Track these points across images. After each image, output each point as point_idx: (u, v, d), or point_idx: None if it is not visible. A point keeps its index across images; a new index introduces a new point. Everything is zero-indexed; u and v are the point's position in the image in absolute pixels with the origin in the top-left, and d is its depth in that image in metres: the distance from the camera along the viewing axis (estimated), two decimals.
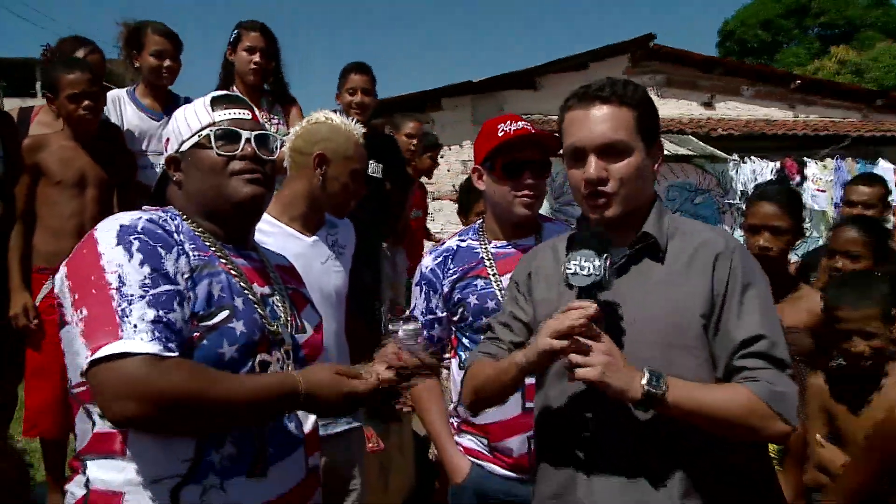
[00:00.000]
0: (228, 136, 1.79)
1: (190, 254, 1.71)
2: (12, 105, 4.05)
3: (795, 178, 11.67)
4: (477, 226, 2.66)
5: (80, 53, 3.88)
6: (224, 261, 1.77)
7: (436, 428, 2.65)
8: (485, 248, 2.58)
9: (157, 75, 3.99)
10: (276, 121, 4.09)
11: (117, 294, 1.56)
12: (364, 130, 2.80)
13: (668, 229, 1.88)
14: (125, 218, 1.70)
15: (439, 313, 2.61)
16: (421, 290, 2.65)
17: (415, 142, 5.36)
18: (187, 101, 3.74)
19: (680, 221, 1.94)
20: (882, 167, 11.60)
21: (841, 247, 3.09)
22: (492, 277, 2.51)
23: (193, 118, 1.84)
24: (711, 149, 11.91)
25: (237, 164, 1.78)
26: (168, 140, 1.88)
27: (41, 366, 3.47)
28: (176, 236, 1.72)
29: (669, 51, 14.58)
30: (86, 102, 3.46)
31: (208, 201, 1.80)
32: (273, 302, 1.84)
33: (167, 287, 1.61)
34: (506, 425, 2.45)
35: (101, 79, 3.85)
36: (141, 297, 1.56)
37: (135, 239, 1.64)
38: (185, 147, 1.82)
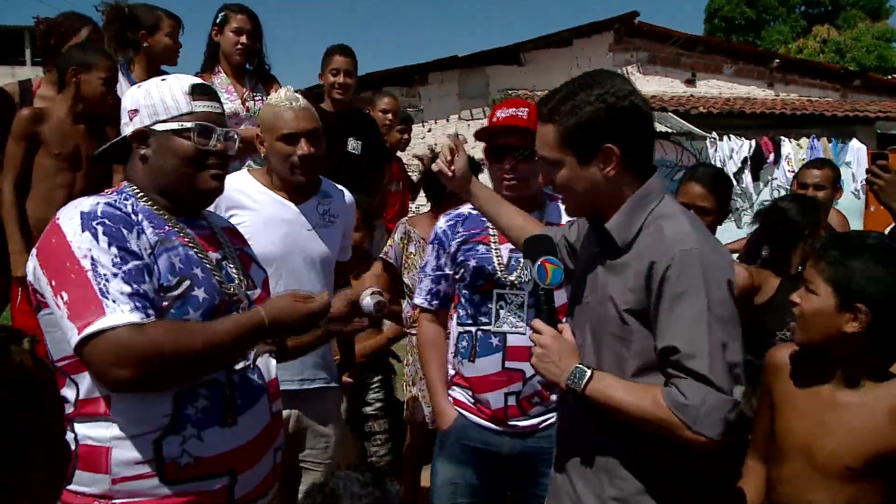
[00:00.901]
0: (205, 131, 1.91)
1: (147, 231, 1.83)
2: (2, 73, 4.17)
3: (771, 157, 11.96)
4: None
5: (84, 32, 4.02)
6: (181, 234, 1.90)
7: (431, 377, 2.90)
8: None
9: (172, 57, 4.17)
10: (258, 98, 4.25)
11: (93, 275, 1.69)
12: (298, 94, 2.88)
13: (641, 225, 1.91)
14: (84, 205, 1.81)
15: (447, 270, 2.84)
16: (433, 248, 2.89)
17: (390, 117, 5.55)
18: None
19: (664, 218, 1.91)
20: (854, 146, 11.92)
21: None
22: (493, 245, 2.74)
23: (171, 101, 1.91)
24: (690, 126, 12.15)
25: (210, 158, 1.93)
26: (136, 111, 1.92)
27: (31, 328, 3.64)
28: (133, 217, 1.84)
29: (653, 28, 14.76)
30: (113, 90, 3.66)
31: (171, 184, 1.93)
32: (226, 265, 1.99)
33: (135, 262, 1.75)
34: (487, 380, 2.69)
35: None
36: (115, 274, 1.71)
37: (98, 224, 1.75)
38: (160, 127, 1.90)
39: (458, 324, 2.82)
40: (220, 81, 4.13)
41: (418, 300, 2.96)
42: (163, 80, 1.97)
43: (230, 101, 4.04)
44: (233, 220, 2.71)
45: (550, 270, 1.97)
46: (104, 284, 1.69)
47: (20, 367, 1.15)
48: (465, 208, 2.91)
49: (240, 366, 1.95)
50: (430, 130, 13.95)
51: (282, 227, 2.83)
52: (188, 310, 1.82)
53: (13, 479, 1.13)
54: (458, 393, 2.80)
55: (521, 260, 2.66)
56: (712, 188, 3.15)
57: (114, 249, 1.74)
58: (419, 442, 4.07)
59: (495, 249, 2.74)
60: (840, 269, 1.98)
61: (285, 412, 2.81)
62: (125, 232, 1.78)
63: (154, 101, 1.91)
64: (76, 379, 1.80)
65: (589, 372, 1.88)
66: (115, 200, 1.86)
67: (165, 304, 1.79)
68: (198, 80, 2.02)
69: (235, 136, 2.03)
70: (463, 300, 2.80)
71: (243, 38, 4.18)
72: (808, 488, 2.04)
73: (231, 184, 2.81)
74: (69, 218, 1.78)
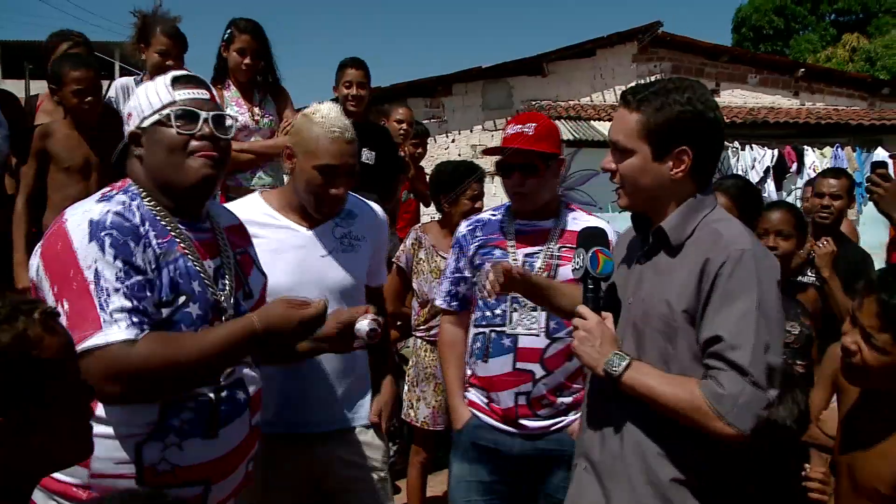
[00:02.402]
0: (188, 115, 1.89)
1: (154, 243, 1.84)
2: (39, 87, 4.32)
3: (794, 166, 11.87)
4: (509, 203, 2.98)
5: (62, 48, 4.12)
6: (180, 241, 1.90)
7: (448, 377, 3.01)
8: (509, 224, 2.91)
9: (159, 72, 4.15)
10: (267, 112, 4.32)
11: (95, 288, 1.72)
12: (349, 123, 2.60)
13: (694, 228, 1.96)
14: (94, 212, 1.81)
15: (465, 273, 2.95)
16: (453, 252, 3.01)
17: (404, 127, 5.63)
18: None
19: (717, 223, 1.97)
20: (879, 155, 11.78)
21: (773, 227, 3.39)
22: (509, 249, 2.85)
23: (154, 96, 1.91)
24: None
25: (195, 143, 1.89)
26: (130, 115, 1.95)
27: None
28: (141, 228, 1.83)
29: (676, 38, 14.74)
30: (88, 98, 3.76)
31: (165, 177, 1.91)
32: (223, 274, 1.99)
33: (139, 277, 1.77)
34: (498, 380, 2.79)
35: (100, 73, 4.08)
36: (117, 289, 1.73)
37: (106, 235, 1.76)
38: (146, 123, 1.90)
39: (475, 325, 2.92)
40: (230, 95, 4.22)
41: (438, 301, 3.08)
42: (152, 79, 2.00)
43: (240, 113, 4.14)
44: None
45: (602, 261, 2.03)
46: (105, 299, 1.72)
47: (22, 335, 1.27)
48: (486, 214, 3.04)
49: (228, 380, 1.96)
50: (453, 141, 14.07)
51: (291, 255, 2.60)
52: (181, 326, 1.85)
53: (17, 430, 1.27)
54: (472, 394, 2.90)
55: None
56: (735, 198, 3.21)
57: (119, 263, 1.75)
58: (424, 446, 4.14)
59: (511, 254, 2.84)
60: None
61: (323, 456, 2.63)
62: (132, 245, 1.79)
63: (140, 100, 1.94)
64: None
65: (627, 359, 1.92)
66: (124, 206, 1.86)
67: (162, 317, 1.82)
68: (183, 72, 2.02)
69: (233, 120, 2.05)
70: (480, 302, 2.90)
71: (247, 59, 4.22)
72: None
73: (237, 212, 2.62)
74: (77, 224, 1.78)
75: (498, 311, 2.81)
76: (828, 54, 25.93)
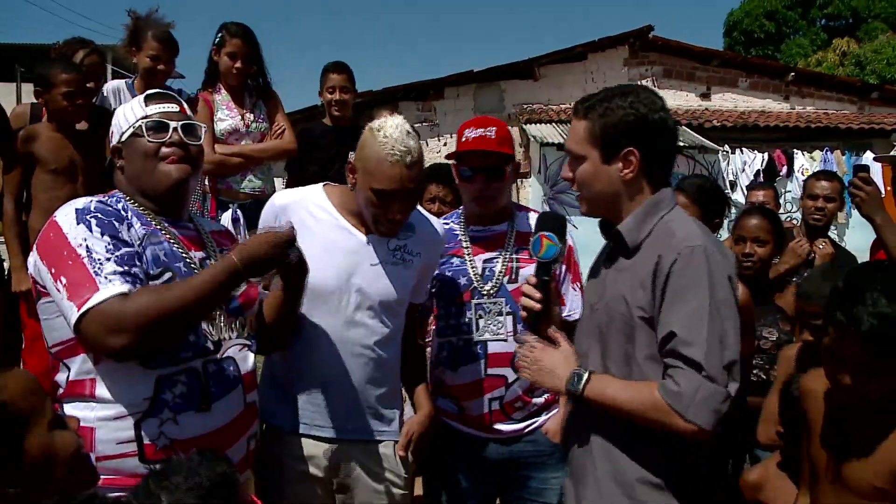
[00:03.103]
0: (158, 126, 2.12)
1: (136, 226, 2.05)
2: (30, 89, 4.30)
3: (784, 169, 11.93)
4: (460, 211, 2.96)
5: (79, 55, 4.15)
6: (164, 232, 2.11)
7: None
8: (463, 231, 2.88)
9: (150, 76, 4.22)
10: (260, 116, 4.34)
11: (88, 260, 1.91)
12: (413, 144, 2.43)
13: (651, 230, 2.02)
14: (79, 203, 2.04)
15: None
16: None
17: None
18: (179, 93, 4.04)
19: (672, 222, 2.02)
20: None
21: (750, 233, 3.47)
22: (466, 257, 2.82)
23: (130, 113, 2.16)
24: (702, 139, 12.15)
25: (165, 149, 2.11)
26: (112, 133, 2.20)
27: (40, 332, 3.76)
28: (123, 213, 2.06)
29: (668, 42, 14.77)
30: (78, 101, 3.79)
31: (143, 182, 2.13)
32: (209, 264, 2.16)
33: (127, 249, 1.97)
34: (470, 387, 2.78)
35: (98, 77, 4.15)
36: (108, 258, 1.92)
37: (91, 217, 1.98)
38: (124, 138, 2.14)
39: (438, 335, 2.89)
40: (221, 98, 4.24)
41: None
42: (129, 102, 2.25)
43: (231, 117, 4.16)
44: None
45: (545, 245, 2.11)
46: (98, 267, 1.90)
47: None
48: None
49: (218, 355, 2.11)
50: (445, 144, 14.06)
51: (342, 259, 2.53)
52: None
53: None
54: (442, 402, 2.85)
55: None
56: (696, 198, 3.25)
57: (106, 238, 1.95)
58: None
59: (469, 261, 2.82)
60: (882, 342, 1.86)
61: (343, 463, 2.57)
62: (116, 224, 2.01)
63: (119, 119, 2.19)
64: (68, 363, 2.01)
65: (586, 375, 1.99)
66: (107, 200, 2.10)
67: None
68: (155, 91, 2.32)
69: (201, 127, 2.24)
70: (441, 311, 2.88)
71: (238, 63, 4.24)
72: None
73: (299, 201, 2.61)
74: (65, 215, 2.00)
75: (464, 320, 2.79)
76: (818, 58, 26.01)
